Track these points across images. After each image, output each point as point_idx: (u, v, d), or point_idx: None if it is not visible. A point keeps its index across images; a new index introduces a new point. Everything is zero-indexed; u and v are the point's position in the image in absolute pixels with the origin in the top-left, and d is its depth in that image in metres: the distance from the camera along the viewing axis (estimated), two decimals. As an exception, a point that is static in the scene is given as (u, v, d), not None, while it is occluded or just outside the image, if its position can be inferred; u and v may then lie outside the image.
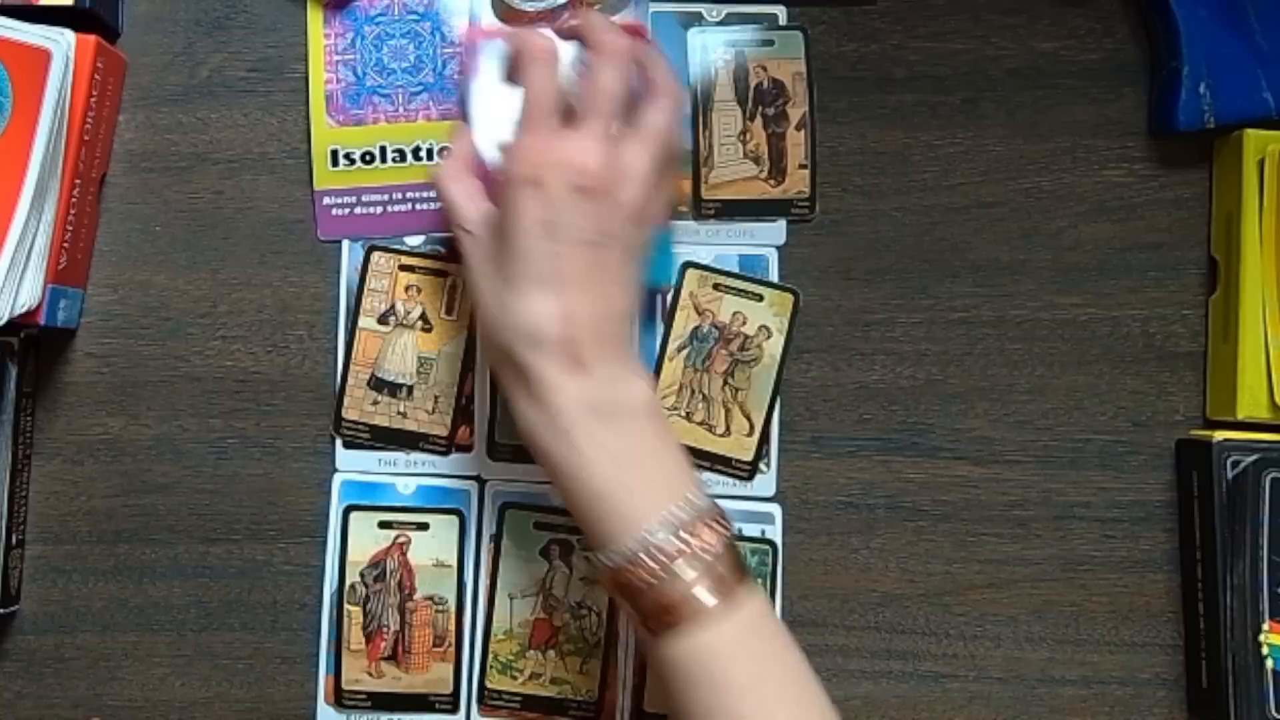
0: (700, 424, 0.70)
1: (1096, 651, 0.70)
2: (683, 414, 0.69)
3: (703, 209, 0.70)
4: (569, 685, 0.69)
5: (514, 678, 0.69)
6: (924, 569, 0.70)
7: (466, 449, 0.69)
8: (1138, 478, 0.70)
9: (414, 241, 0.70)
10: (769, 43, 0.70)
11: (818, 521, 0.70)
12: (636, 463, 0.57)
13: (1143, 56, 0.71)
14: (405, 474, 0.69)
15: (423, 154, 0.69)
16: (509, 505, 0.69)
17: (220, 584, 0.70)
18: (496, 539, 0.69)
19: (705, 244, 0.70)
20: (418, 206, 0.69)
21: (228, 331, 0.70)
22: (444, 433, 0.69)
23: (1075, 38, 0.71)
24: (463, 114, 0.66)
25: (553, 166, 0.57)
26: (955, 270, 0.71)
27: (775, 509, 0.70)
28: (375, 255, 0.69)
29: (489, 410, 0.69)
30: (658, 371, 0.70)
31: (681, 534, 0.55)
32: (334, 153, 0.69)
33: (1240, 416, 0.68)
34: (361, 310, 0.69)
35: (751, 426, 0.70)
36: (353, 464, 0.70)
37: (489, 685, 0.69)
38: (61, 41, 0.63)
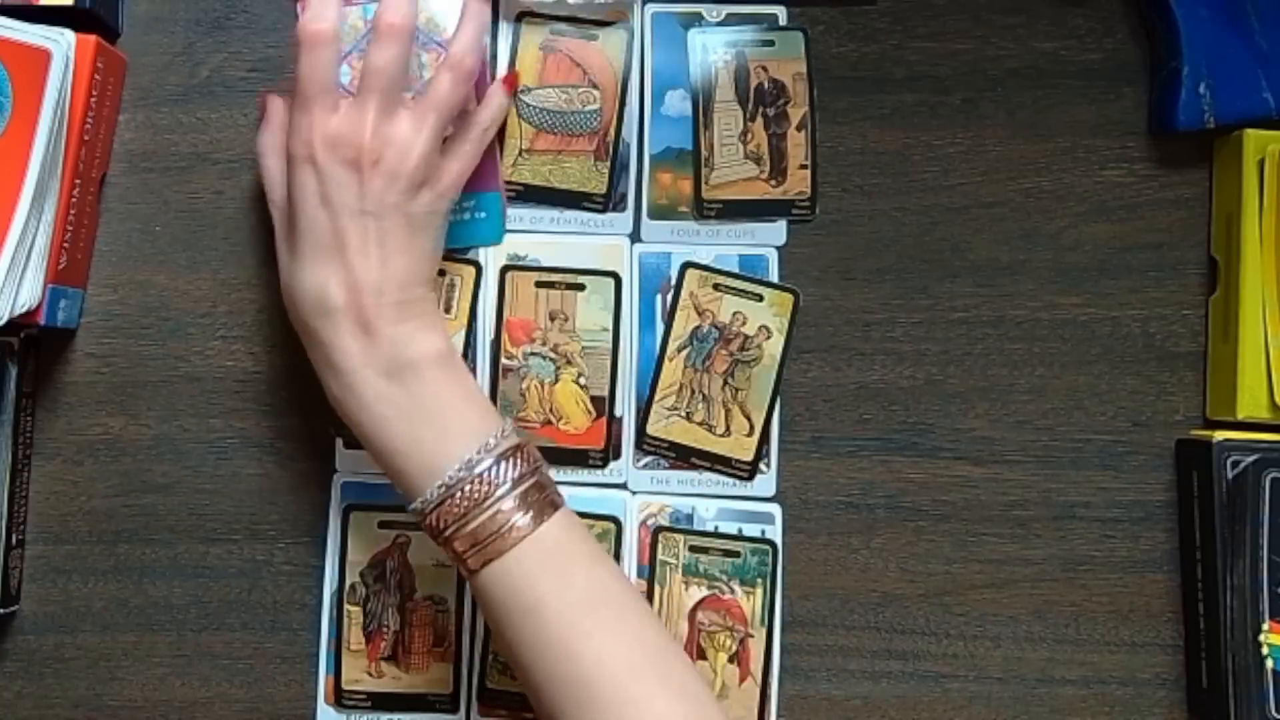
0: (700, 424, 0.70)
1: (1096, 651, 0.70)
2: (683, 414, 0.70)
3: (704, 209, 0.70)
4: (569, 685, 0.69)
5: (514, 678, 0.69)
6: (924, 569, 0.70)
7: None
8: (1138, 478, 0.70)
9: (414, 241, 0.70)
10: (769, 43, 0.70)
11: (818, 521, 0.70)
12: (432, 415, 0.59)
13: (1143, 56, 0.71)
14: (405, 474, 0.69)
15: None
16: (509, 505, 0.69)
17: (220, 584, 0.70)
18: (496, 539, 0.69)
19: (705, 244, 0.70)
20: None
21: (228, 331, 0.70)
22: (444, 432, 0.69)
23: (1075, 38, 0.71)
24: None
25: (324, 142, 0.60)
26: (955, 270, 0.71)
27: (775, 509, 0.70)
28: (375, 255, 0.69)
29: (489, 410, 0.69)
30: (658, 371, 0.70)
31: (488, 470, 0.58)
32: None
33: (1240, 416, 0.68)
34: (361, 310, 0.69)
35: (751, 426, 0.70)
36: (353, 464, 0.70)
37: (489, 685, 0.69)
38: (61, 41, 0.63)
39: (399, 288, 0.60)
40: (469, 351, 0.69)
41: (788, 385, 0.70)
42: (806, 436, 0.70)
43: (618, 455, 0.70)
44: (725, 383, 0.70)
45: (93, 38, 0.65)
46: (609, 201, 0.70)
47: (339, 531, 0.69)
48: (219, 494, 0.70)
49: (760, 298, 0.70)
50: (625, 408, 0.70)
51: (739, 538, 0.69)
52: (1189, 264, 0.71)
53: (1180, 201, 0.71)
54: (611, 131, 0.70)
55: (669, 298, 0.70)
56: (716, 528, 0.69)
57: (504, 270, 0.70)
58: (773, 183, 0.70)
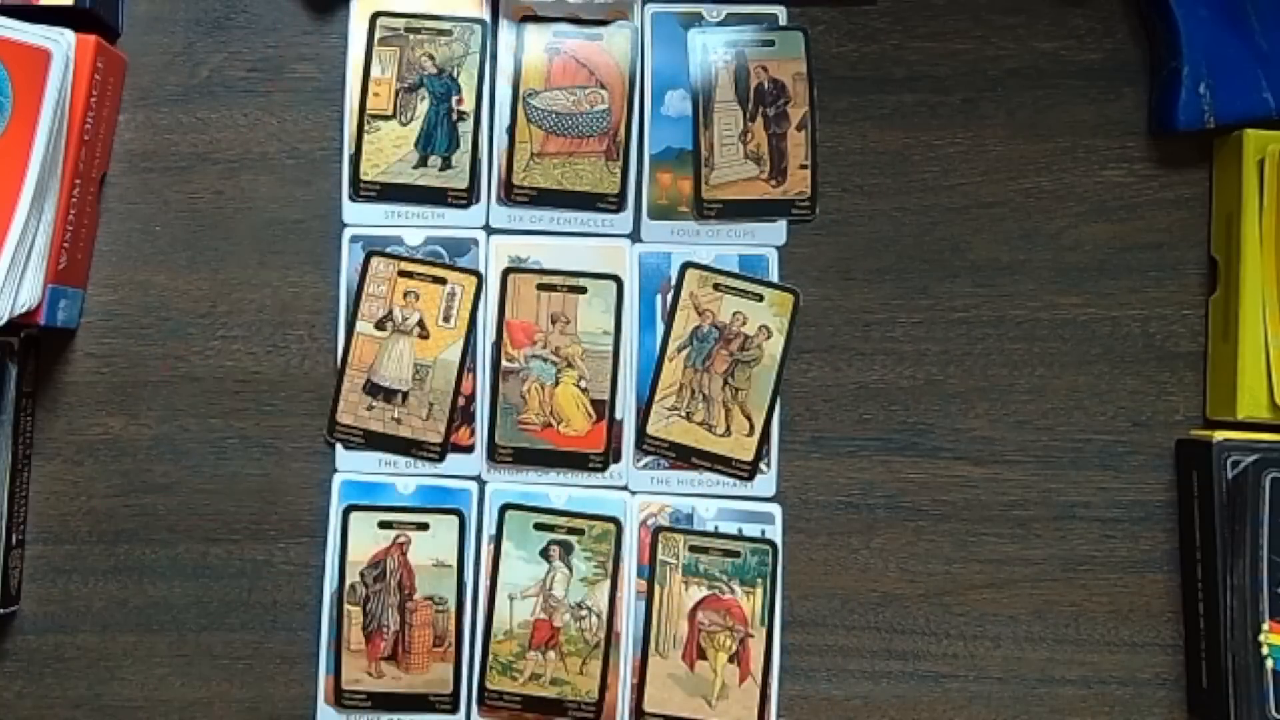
0: (700, 424, 0.70)
1: (1096, 651, 0.70)
2: (683, 414, 0.70)
3: (704, 209, 0.70)
4: (569, 686, 0.69)
5: (514, 678, 0.69)
6: (924, 569, 0.70)
7: (467, 450, 0.69)
8: (1138, 478, 0.70)
9: (414, 241, 0.70)
10: (769, 43, 0.70)
11: (818, 521, 0.70)
12: None
13: (1143, 56, 0.71)
14: (405, 474, 0.69)
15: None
16: (509, 505, 0.69)
17: (220, 584, 0.70)
18: (496, 539, 0.69)
19: (705, 244, 0.70)
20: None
21: (228, 331, 0.70)
22: (438, 440, 0.69)
23: (1075, 38, 0.71)
24: None
25: None
26: (955, 270, 0.71)
27: (775, 509, 0.70)
28: (374, 260, 0.69)
29: (489, 411, 0.69)
30: (658, 371, 0.70)
31: None
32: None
33: (1240, 416, 0.68)
34: (359, 315, 0.69)
35: (751, 426, 0.70)
36: (353, 464, 0.70)
37: (489, 686, 0.69)
38: (61, 41, 0.63)
39: None
40: (469, 358, 0.69)
41: (788, 385, 0.70)
42: (806, 436, 0.70)
43: (618, 459, 0.70)
44: (725, 383, 0.70)
45: (93, 38, 0.65)
46: (622, 202, 0.70)
47: (339, 531, 0.69)
48: (219, 494, 0.70)
49: (760, 298, 0.70)
50: (625, 408, 0.70)
51: (739, 538, 0.69)
52: (1189, 264, 0.71)
53: (1180, 201, 0.71)
54: (621, 131, 0.70)
55: (669, 298, 0.70)
56: (716, 528, 0.69)
57: (505, 273, 0.70)
58: (773, 183, 0.70)
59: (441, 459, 0.69)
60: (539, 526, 0.69)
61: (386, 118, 0.70)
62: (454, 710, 0.69)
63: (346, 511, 0.69)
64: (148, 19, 0.71)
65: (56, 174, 0.65)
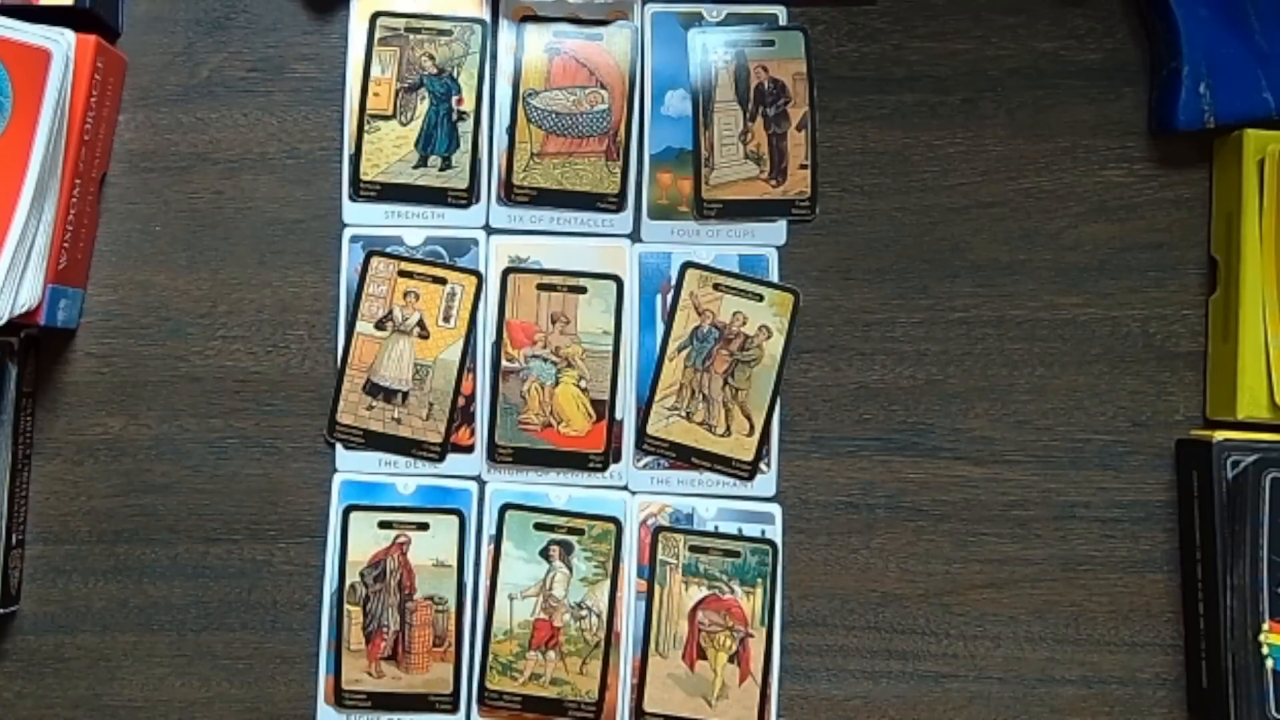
0: (700, 424, 0.70)
1: (1096, 651, 0.70)
2: (683, 414, 0.70)
3: (704, 209, 0.70)
4: (569, 686, 0.69)
5: (514, 678, 0.69)
6: (924, 569, 0.70)
7: (467, 450, 0.69)
8: (1138, 478, 0.70)
9: (414, 241, 0.70)
10: (769, 43, 0.70)
11: (818, 521, 0.70)
12: None
13: (1143, 56, 0.71)
14: (405, 474, 0.69)
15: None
16: (509, 506, 0.69)
17: (220, 584, 0.70)
18: (496, 539, 0.69)
19: (705, 244, 0.70)
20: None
21: (228, 331, 0.70)
22: (438, 440, 0.69)
23: (1075, 38, 0.71)
24: None
25: None
26: (955, 270, 0.71)
27: (775, 509, 0.70)
28: (374, 260, 0.69)
29: (489, 411, 0.69)
30: (658, 371, 0.70)
31: None
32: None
33: (1240, 416, 0.68)
34: (359, 315, 0.69)
35: (751, 426, 0.70)
36: (353, 464, 0.70)
37: (489, 686, 0.69)
38: (61, 41, 0.63)
39: None
40: (469, 358, 0.69)
41: (788, 385, 0.70)
42: (806, 436, 0.70)
43: (618, 459, 0.70)
44: (725, 383, 0.70)
45: (93, 38, 0.65)
46: (622, 202, 0.70)
47: (339, 531, 0.69)
48: (219, 494, 0.70)
49: (760, 298, 0.70)
50: (625, 408, 0.70)
51: (739, 538, 0.69)
52: (1189, 264, 0.71)
53: (1180, 201, 0.71)
54: (621, 131, 0.70)
55: (669, 298, 0.70)
56: (716, 528, 0.69)
57: (505, 273, 0.70)
58: (773, 183, 0.70)
59: (441, 459, 0.69)
60: (539, 526, 0.69)
61: (386, 118, 0.70)
62: (454, 710, 0.69)
63: (346, 511, 0.69)
64: (148, 19, 0.71)
65: (56, 174, 0.65)
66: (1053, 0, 0.71)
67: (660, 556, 0.69)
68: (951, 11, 0.71)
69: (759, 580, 0.69)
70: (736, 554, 0.69)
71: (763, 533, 0.69)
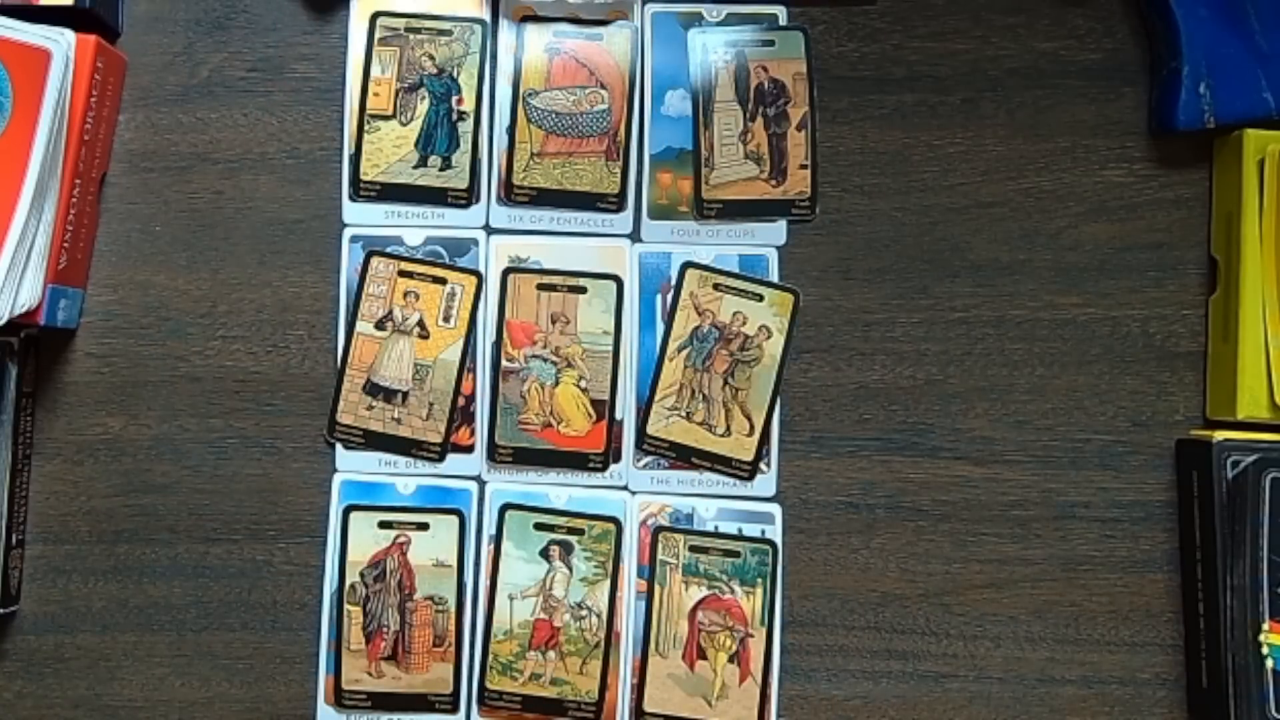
0: (700, 424, 0.70)
1: (1096, 651, 0.70)
2: (683, 414, 0.70)
3: (704, 209, 0.70)
4: (569, 686, 0.69)
5: (514, 678, 0.69)
6: (924, 569, 0.70)
7: (467, 450, 0.69)
8: (1138, 478, 0.70)
9: (414, 241, 0.70)
10: (769, 43, 0.70)
11: (818, 521, 0.70)
12: None
13: (1143, 56, 0.71)
14: (405, 474, 0.70)
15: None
16: (509, 506, 0.69)
17: (220, 584, 0.70)
18: (496, 539, 0.69)
19: (705, 244, 0.70)
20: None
21: (228, 331, 0.70)
22: (438, 440, 0.69)
23: (1075, 38, 0.71)
24: None
25: None
26: (955, 270, 0.71)
27: (775, 509, 0.70)
28: (374, 260, 0.69)
29: (489, 411, 0.69)
30: (658, 371, 0.70)
31: None
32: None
33: (1240, 416, 0.68)
34: (359, 315, 0.69)
35: (751, 426, 0.70)
36: (353, 464, 0.70)
37: (489, 686, 0.69)
38: (61, 41, 0.63)
39: None
40: (469, 358, 0.69)
41: (788, 385, 0.70)
42: (806, 436, 0.70)
43: (618, 459, 0.70)
44: (725, 383, 0.70)
45: (93, 38, 0.65)
46: (622, 202, 0.70)
47: (339, 531, 0.69)
48: (219, 494, 0.70)
49: (760, 298, 0.70)
50: (625, 408, 0.70)
51: (739, 538, 0.69)
52: (1189, 264, 0.71)
53: (1180, 201, 0.71)
54: (621, 131, 0.70)
55: (669, 298, 0.70)
56: (716, 528, 0.69)
57: (505, 273, 0.70)
58: (773, 183, 0.70)
59: (441, 459, 0.69)
60: (539, 526, 0.69)
61: (386, 118, 0.70)
62: (454, 710, 0.69)
63: (346, 511, 0.69)
64: (148, 19, 0.71)
65: (56, 174, 0.65)
66: (1053, 0, 0.71)
67: (660, 556, 0.69)
68: (951, 11, 0.71)
69: (759, 580, 0.69)
70: (736, 554, 0.69)
71: (763, 533, 0.69)
